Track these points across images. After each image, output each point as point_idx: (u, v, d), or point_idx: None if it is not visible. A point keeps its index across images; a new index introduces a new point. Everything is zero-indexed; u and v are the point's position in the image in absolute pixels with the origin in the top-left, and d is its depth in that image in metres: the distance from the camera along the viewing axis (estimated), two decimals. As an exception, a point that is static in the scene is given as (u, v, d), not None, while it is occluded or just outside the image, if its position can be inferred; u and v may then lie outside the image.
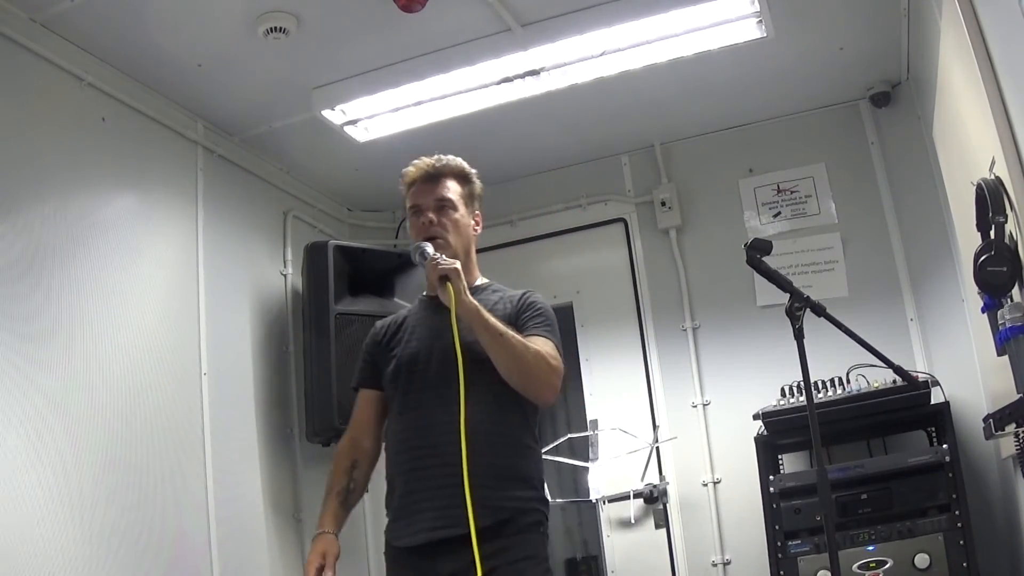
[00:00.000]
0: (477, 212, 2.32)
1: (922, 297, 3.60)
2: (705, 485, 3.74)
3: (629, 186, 4.16)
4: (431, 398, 2.07)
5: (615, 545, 3.82)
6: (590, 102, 3.60)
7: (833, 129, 3.90)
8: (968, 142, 2.48)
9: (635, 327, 4.01)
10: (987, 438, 2.67)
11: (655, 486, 3.68)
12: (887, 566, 2.87)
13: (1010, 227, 2.01)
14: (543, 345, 2.09)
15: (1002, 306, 2.04)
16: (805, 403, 2.10)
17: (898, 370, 2.23)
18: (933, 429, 3.23)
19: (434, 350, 2.11)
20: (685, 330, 3.92)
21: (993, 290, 2.07)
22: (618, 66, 3.30)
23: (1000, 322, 2.03)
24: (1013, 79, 2.01)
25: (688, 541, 3.72)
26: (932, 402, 3.09)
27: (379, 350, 2.25)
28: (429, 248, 2.12)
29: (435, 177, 2.23)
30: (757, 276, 2.22)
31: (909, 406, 3.05)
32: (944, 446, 2.97)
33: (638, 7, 3.01)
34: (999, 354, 2.16)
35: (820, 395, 3.12)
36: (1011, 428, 2.31)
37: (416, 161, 2.27)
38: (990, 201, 2.06)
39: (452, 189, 2.24)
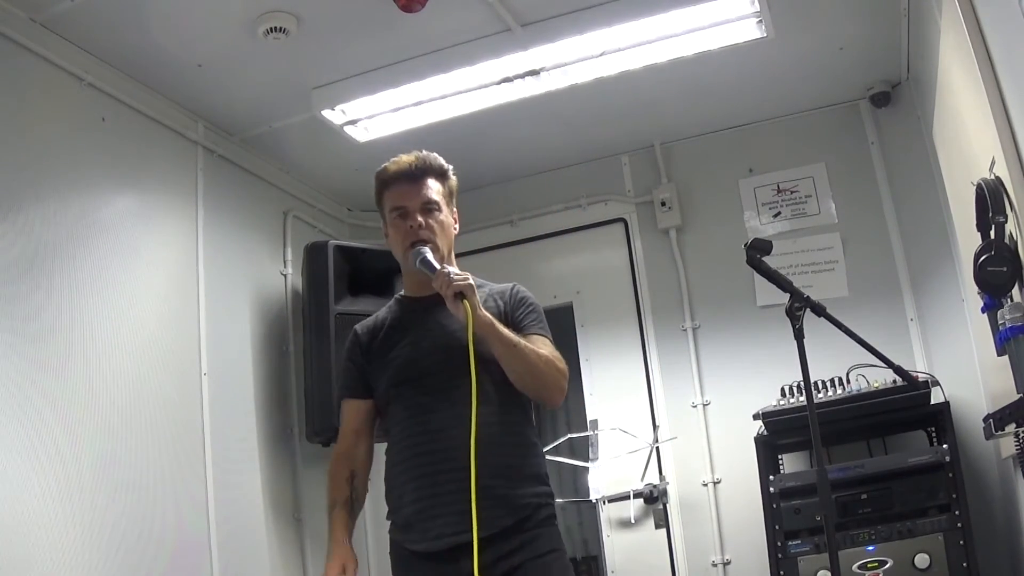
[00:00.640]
0: (455, 209, 2.26)
1: (922, 297, 3.60)
2: (705, 485, 3.74)
3: (629, 186, 4.16)
4: (438, 401, 2.06)
5: (615, 545, 3.82)
6: (590, 102, 3.60)
7: (833, 129, 3.90)
8: (968, 142, 2.48)
9: (635, 327, 4.01)
10: (987, 438, 2.68)
11: (655, 486, 3.68)
12: (887, 566, 2.87)
13: (1010, 227, 2.01)
14: (547, 348, 2.11)
15: (1002, 306, 2.04)
16: (805, 403, 2.10)
17: (898, 370, 2.23)
18: (933, 429, 3.23)
19: (435, 353, 2.09)
20: (685, 330, 3.92)
21: (993, 290, 2.07)
22: (618, 66, 3.30)
23: (1000, 322, 2.03)
24: (1013, 79, 2.01)
25: (688, 541, 3.72)
26: (932, 402, 3.09)
27: (368, 356, 2.20)
28: (430, 255, 2.09)
29: (417, 177, 2.18)
30: (757, 276, 2.22)
31: (909, 406, 3.04)
32: (944, 446, 2.97)
33: (638, 7, 3.01)
34: (999, 354, 2.16)
35: (820, 395, 3.12)
36: (1011, 428, 2.31)
37: (395, 158, 2.21)
38: (990, 201, 2.06)
39: (435, 189, 2.19)
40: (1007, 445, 2.58)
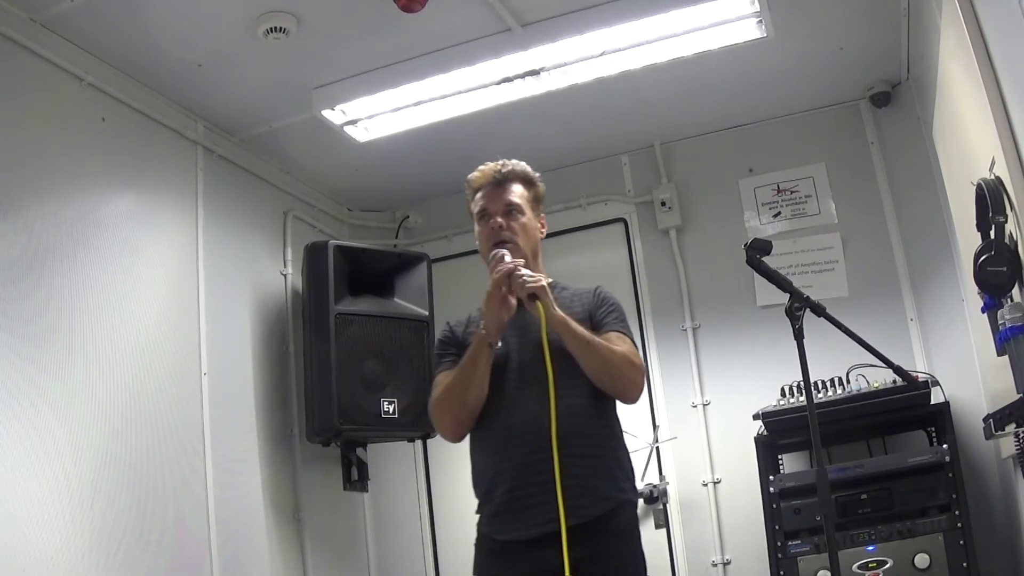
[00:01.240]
0: (542, 215, 2.39)
1: (922, 297, 3.60)
2: (705, 485, 3.74)
3: (629, 186, 4.16)
4: (532, 396, 2.10)
5: (615, 545, 3.82)
6: (590, 102, 3.60)
7: (833, 129, 3.89)
8: (968, 142, 2.48)
9: (635, 327, 4.00)
10: (987, 438, 2.68)
11: (655, 486, 3.69)
12: (887, 566, 2.87)
13: (1010, 227, 2.01)
14: (624, 345, 2.20)
15: (1002, 306, 2.04)
16: (805, 403, 2.10)
17: (898, 370, 2.23)
18: (933, 429, 3.23)
19: (525, 350, 2.15)
20: (685, 330, 3.92)
21: (993, 290, 2.07)
22: (618, 66, 3.30)
23: (1000, 322, 2.03)
24: (1013, 79, 2.01)
25: (688, 541, 3.72)
26: (932, 402, 3.09)
27: (462, 348, 2.26)
28: (507, 256, 2.16)
29: (502, 183, 2.30)
30: (757, 276, 2.22)
31: (909, 406, 3.05)
32: (944, 446, 2.97)
33: (638, 7, 3.01)
34: (999, 354, 2.16)
35: (820, 395, 3.12)
36: (1011, 428, 2.31)
37: (482, 167, 2.34)
38: (990, 201, 2.06)
39: (519, 193, 2.31)
40: (1007, 445, 2.58)
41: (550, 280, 2.34)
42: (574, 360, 2.12)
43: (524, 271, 2.12)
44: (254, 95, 3.37)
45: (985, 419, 2.54)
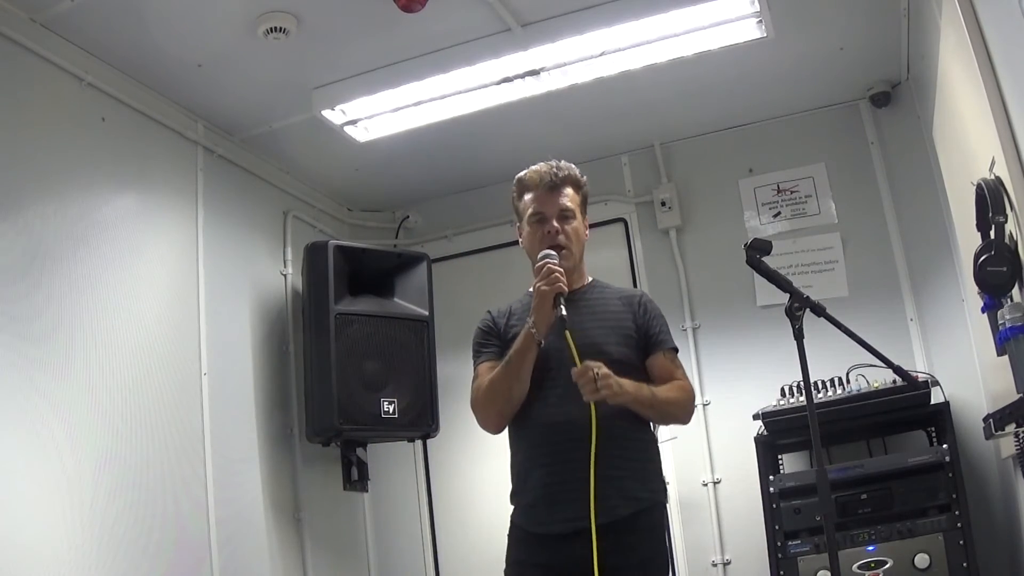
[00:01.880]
0: (586, 217, 2.46)
1: (922, 297, 3.59)
2: (705, 485, 3.74)
3: (629, 186, 4.15)
4: (569, 394, 2.13)
5: (615, 545, 3.82)
6: (590, 102, 3.60)
7: (833, 129, 3.89)
8: (968, 142, 2.48)
9: (635, 327, 4.00)
10: (987, 438, 2.68)
11: (655, 486, 3.68)
12: (887, 566, 2.87)
13: (1010, 227, 2.01)
14: (683, 379, 2.33)
15: (1002, 306, 2.04)
16: (805, 403, 2.10)
17: (898, 370, 2.23)
18: (933, 429, 3.23)
19: (565, 348, 2.14)
20: (685, 330, 3.91)
21: (993, 290, 2.07)
22: (618, 66, 3.30)
23: (1000, 322, 2.03)
24: (1013, 79, 2.01)
25: (688, 541, 3.72)
26: (932, 402, 3.08)
27: (503, 338, 2.33)
28: (555, 258, 2.22)
29: (556, 186, 2.35)
30: (757, 276, 2.22)
31: (909, 406, 3.04)
32: (944, 446, 2.97)
33: (638, 7, 3.01)
34: (999, 354, 2.16)
35: (820, 395, 3.12)
36: (1011, 428, 2.31)
37: (535, 167, 2.39)
38: (990, 201, 2.06)
39: (571, 198, 2.38)
40: (1007, 445, 2.58)
41: (591, 280, 2.45)
42: (614, 362, 2.17)
43: (598, 370, 2.09)
44: (254, 95, 3.37)
45: (985, 419, 2.54)
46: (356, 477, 3.78)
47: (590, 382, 2.07)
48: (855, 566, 2.89)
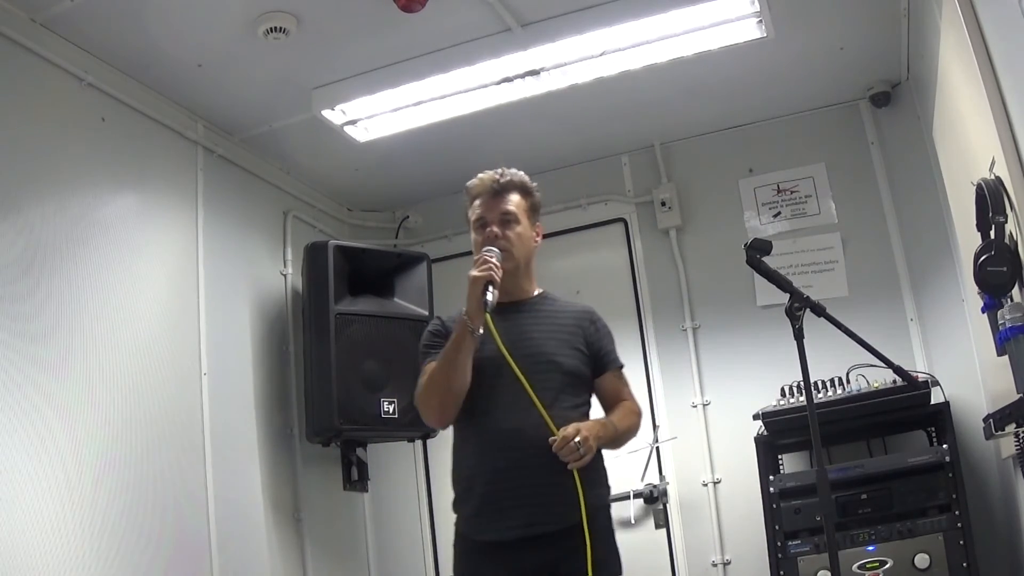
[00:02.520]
0: (538, 224, 2.44)
1: (922, 297, 3.60)
2: (705, 485, 3.74)
3: (629, 186, 4.15)
4: (518, 402, 2.14)
5: (615, 545, 3.82)
6: (590, 102, 3.60)
7: (833, 129, 3.89)
8: (968, 142, 2.48)
9: (635, 327, 4.01)
10: (987, 438, 2.68)
11: (655, 486, 3.69)
12: (887, 566, 2.87)
13: (1010, 227, 2.01)
14: (630, 397, 2.40)
15: (1002, 306, 2.04)
16: (805, 403, 2.10)
17: (898, 370, 2.23)
18: (933, 429, 3.23)
19: (517, 359, 2.16)
20: (685, 330, 3.92)
21: (993, 290, 2.07)
22: (618, 66, 3.30)
23: (1000, 322, 2.03)
24: (1013, 79, 2.01)
25: (688, 541, 3.72)
26: (932, 402, 3.08)
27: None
28: (496, 254, 2.22)
29: (499, 192, 2.35)
30: (757, 276, 2.22)
31: (909, 406, 3.04)
32: (944, 446, 2.97)
33: (638, 7, 3.01)
34: (999, 354, 2.16)
35: (820, 395, 3.12)
36: (1011, 428, 2.31)
37: (480, 175, 2.40)
38: (990, 201, 2.06)
39: (516, 204, 2.37)
40: (1007, 445, 2.58)
41: (540, 291, 2.43)
42: (570, 379, 2.25)
43: (584, 444, 2.10)
44: (254, 95, 3.37)
45: (985, 419, 2.54)
46: (356, 477, 3.79)
47: (573, 452, 2.09)
48: (855, 566, 2.89)
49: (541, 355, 2.23)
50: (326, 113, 3.44)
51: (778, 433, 3.19)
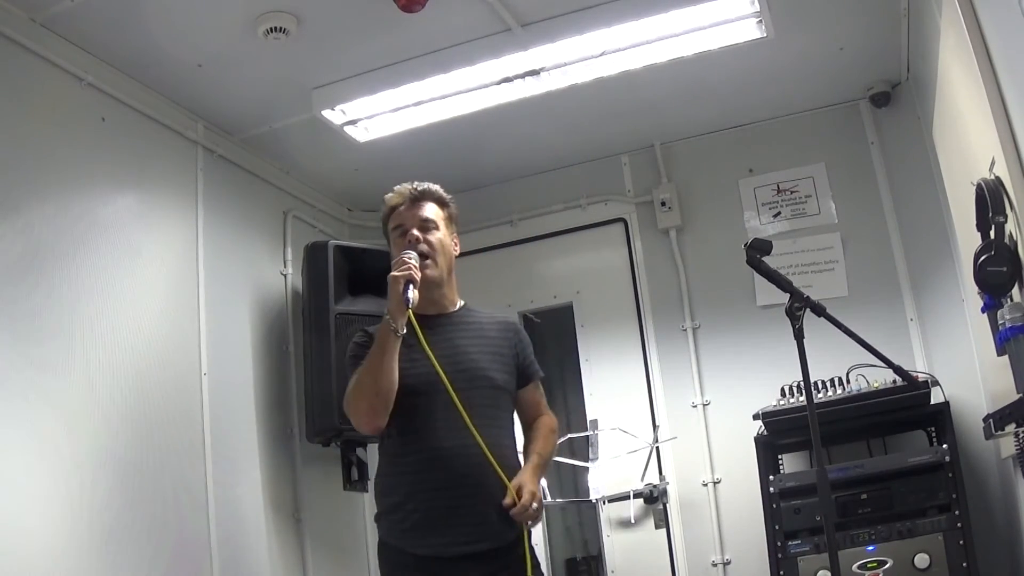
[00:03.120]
0: (455, 234, 2.46)
1: (922, 297, 3.60)
2: (705, 485, 3.74)
3: (629, 186, 4.16)
4: (457, 419, 2.15)
5: (615, 545, 3.82)
6: (590, 102, 3.60)
7: (833, 129, 3.90)
8: (968, 142, 2.48)
9: (635, 327, 4.01)
10: (987, 438, 2.68)
11: (655, 486, 3.68)
12: (887, 566, 2.87)
13: (1010, 227, 2.01)
14: (547, 412, 2.47)
15: (1002, 306, 2.04)
16: (805, 403, 2.11)
17: (898, 370, 2.24)
18: (933, 429, 3.23)
19: (448, 374, 2.18)
20: (685, 330, 3.92)
21: (993, 290, 2.07)
22: (618, 66, 3.30)
23: (1000, 322, 2.03)
24: (1013, 79, 2.01)
25: (688, 541, 3.72)
26: (932, 402, 3.09)
27: None
28: (415, 257, 2.26)
29: (417, 200, 2.39)
30: (757, 276, 2.23)
31: (909, 406, 3.05)
32: (944, 446, 2.97)
33: (638, 7, 3.01)
34: (999, 354, 2.16)
35: (820, 395, 3.12)
36: (1011, 428, 2.31)
37: (396, 188, 2.43)
38: (990, 201, 2.07)
39: (434, 212, 2.40)
40: (1007, 445, 2.58)
41: (463, 303, 2.45)
42: (501, 393, 2.31)
43: (535, 503, 2.17)
44: (254, 95, 3.37)
45: (985, 419, 2.54)
46: (356, 477, 3.79)
47: (533, 516, 2.17)
48: (855, 566, 2.89)
49: (476, 370, 2.26)
50: (326, 113, 3.44)
51: (778, 433, 3.19)
